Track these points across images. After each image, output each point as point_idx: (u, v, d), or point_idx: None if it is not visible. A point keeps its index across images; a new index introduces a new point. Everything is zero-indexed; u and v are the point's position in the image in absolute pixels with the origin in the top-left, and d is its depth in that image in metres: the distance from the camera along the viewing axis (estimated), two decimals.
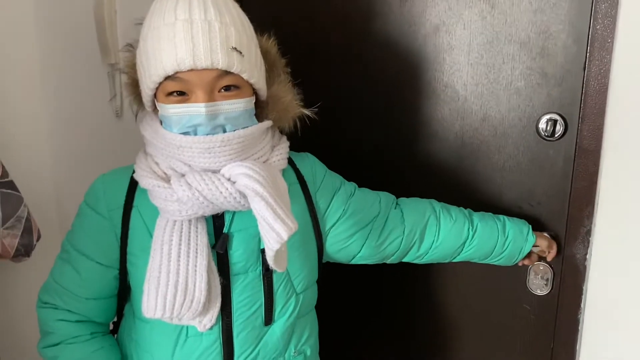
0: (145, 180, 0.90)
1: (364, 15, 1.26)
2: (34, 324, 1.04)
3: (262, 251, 0.93)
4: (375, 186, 1.14)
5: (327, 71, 1.31)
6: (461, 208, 1.16)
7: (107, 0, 1.35)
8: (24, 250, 1.26)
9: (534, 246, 1.14)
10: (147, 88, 0.89)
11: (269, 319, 0.97)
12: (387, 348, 1.43)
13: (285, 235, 0.83)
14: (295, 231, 0.85)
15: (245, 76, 0.87)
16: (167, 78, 0.85)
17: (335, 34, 1.29)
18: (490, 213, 1.17)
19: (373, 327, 1.43)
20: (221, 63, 0.84)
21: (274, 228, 0.83)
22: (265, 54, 0.96)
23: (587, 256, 1.16)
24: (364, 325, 1.44)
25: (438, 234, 1.10)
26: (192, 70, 0.83)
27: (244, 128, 0.89)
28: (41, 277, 1.05)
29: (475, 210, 1.18)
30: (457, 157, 1.26)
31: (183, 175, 0.89)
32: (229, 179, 0.87)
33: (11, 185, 1.25)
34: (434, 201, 1.15)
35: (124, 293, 1.00)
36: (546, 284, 1.23)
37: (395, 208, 1.11)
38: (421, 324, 1.38)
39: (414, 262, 1.14)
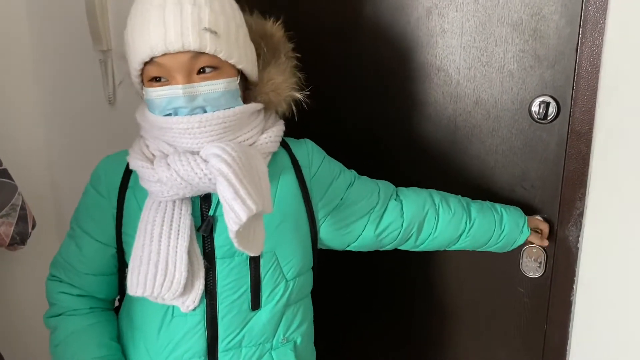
0: (133, 161, 0.93)
1: None
2: (31, 309, 1.05)
3: None
4: (368, 169, 1.15)
5: (319, 56, 1.30)
6: (459, 197, 1.15)
7: None
8: (20, 239, 1.27)
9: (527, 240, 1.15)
10: (132, 75, 0.91)
11: (255, 304, 0.97)
12: (383, 333, 1.45)
13: (244, 216, 0.80)
14: (258, 213, 0.82)
15: (222, 56, 0.87)
16: (147, 64, 0.86)
17: (326, 19, 1.28)
18: (489, 203, 1.16)
19: (370, 312, 1.44)
20: (192, 45, 0.84)
21: (233, 208, 0.81)
22: (269, 37, 0.97)
23: (580, 238, 1.16)
24: (360, 309, 1.45)
25: (436, 227, 1.10)
26: (166, 54, 0.84)
27: (226, 109, 0.89)
28: (37, 264, 1.06)
29: (470, 194, 1.19)
30: (450, 140, 1.25)
31: (167, 156, 0.90)
32: (205, 160, 0.88)
33: (5, 173, 1.25)
34: (433, 192, 1.14)
35: (124, 271, 1.01)
36: (539, 267, 1.23)
37: (395, 199, 1.10)
38: (416, 308, 1.39)
39: (409, 250, 1.15)
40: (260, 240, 0.89)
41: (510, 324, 1.31)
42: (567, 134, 1.14)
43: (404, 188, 1.15)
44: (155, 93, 0.88)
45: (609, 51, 1.04)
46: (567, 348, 1.24)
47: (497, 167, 1.23)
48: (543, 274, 1.24)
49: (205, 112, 0.88)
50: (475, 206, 1.14)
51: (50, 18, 1.46)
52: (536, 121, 1.17)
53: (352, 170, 1.11)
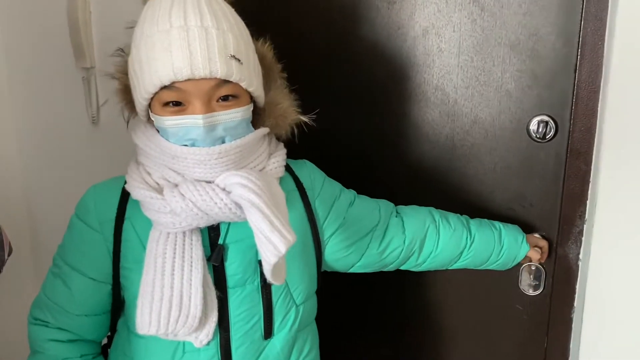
0: (137, 191, 0.86)
1: (352, 19, 1.23)
2: (5, 336, 0.97)
3: (260, 263, 0.89)
4: (366, 189, 1.13)
5: (315, 76, 1.29)
6: (459, 215, 1.15)
7: (82, 0, 1.28)
8: None
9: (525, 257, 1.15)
10: (141, 98, 0.85)
11: (268, 333, 0.94)
12: (380, 350, 1.42)
13: (283, 249, 0.79)
14: (294, 243, 0.82)
15: (244, 85, 0.84)
16: (163, 88, 0.81)
17: (323, 39, 1.27)
18: (486, 220, 1.17)
19: (365, 330, 1.42)
20: (220, 72, 0.80)
21: (271, 240, 0.80)
22: (261, 59, 0.93)
23: (580, 256, 1.17)
24: (359, 328, 1.42)
25: (437, 244, 1.09)
26: (189, 80, 0.80)
27: (241, 138, 0.86)
28: (13, 292, 0.99)
29: (469, 213, 1.19)
30: (448, 159, 1.25)
31: (176, 186, 0.85)
32: (223, 189, 0.84)
33: None
34: (433, 209, 1.14)
35: (117, 308, 0.96)
36: (538, 284, 1.24)
37: (395, 217, 1.09)
38: (414, 326, 1.38)
39: (411, 270, 1.13)
40: (284, 269, 0.87)
41: (510, 342, 1.31)
42: (566, 153, 1.15)
43: (403, 206, 1.14)
44: (172, 122, 0.83)
45: (608, 71, 1.06)
46: None
47: (495, 185, 1.23)
48: (542, 291, 1.24)
49: (223, 142, 0.85)
50: (475, 223, 1.14)
51: (28, 34, 1.39)
52: (534, 140, 1.18)
53: (351, 189, 1.10)
